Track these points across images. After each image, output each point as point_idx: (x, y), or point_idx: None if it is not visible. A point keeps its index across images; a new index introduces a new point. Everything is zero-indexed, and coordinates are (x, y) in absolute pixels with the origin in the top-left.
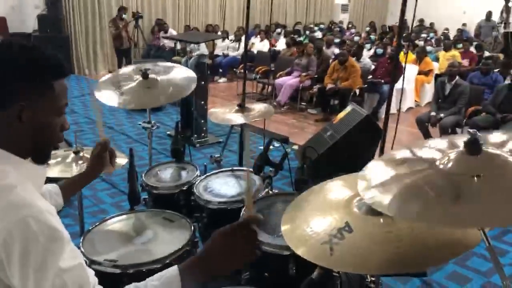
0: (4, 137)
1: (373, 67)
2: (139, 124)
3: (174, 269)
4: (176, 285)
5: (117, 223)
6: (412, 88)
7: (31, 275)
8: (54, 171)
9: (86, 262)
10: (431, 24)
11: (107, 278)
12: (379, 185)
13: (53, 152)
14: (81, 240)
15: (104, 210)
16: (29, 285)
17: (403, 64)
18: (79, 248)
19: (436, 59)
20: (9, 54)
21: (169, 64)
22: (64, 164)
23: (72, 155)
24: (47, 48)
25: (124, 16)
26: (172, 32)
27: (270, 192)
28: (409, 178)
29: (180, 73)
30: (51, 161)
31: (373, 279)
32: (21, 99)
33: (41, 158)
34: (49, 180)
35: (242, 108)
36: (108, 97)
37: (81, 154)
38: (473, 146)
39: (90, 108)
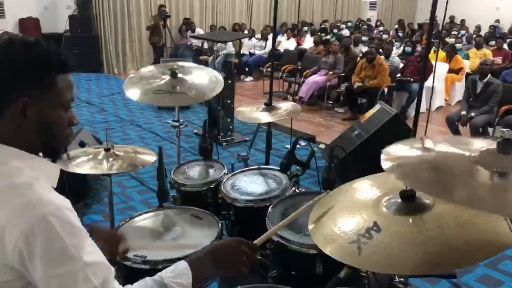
0: (13, 135)
1: (401, 65)
2: (167, 123)
3: (183, 263)
4: (187, 277)
5: (146, 219)
6: (442, 87)
7: (54, 271)
8: (85, 168)
9: (116, 257)
10: (462, 21)
11: (136, 274)
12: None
13: (84, 149)
14: None
15: (133, 207)
16: (51, 283)
17: (433, 62)
18: None
19: (467, 57)
20: (8, 51)
21: (198, 66)
22: (95, 161)
23: (103, 152)
24: (50, 43)
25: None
26: (199, 31)
27: (297, 190)
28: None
29: (207, 75)
30: (83, 158)
31: (401, 279)
32: (23, 95)
33: (52, 153)
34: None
35: (269, 107)
36: (137, 94)
37: (111, 151)
38: (505, 145)
39: None
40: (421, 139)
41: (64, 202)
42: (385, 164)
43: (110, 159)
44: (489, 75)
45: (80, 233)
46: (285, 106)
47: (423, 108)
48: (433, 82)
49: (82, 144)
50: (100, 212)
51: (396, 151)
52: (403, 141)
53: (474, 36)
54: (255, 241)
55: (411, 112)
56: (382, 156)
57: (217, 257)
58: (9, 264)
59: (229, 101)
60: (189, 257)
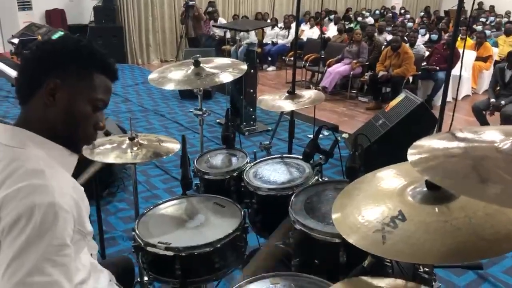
0: (38, 118)
1: (427, 53)
2: (191, 112)
3: None
4: None
5: (170, 207)
6: (469, 75)
7: (11, 255)
8: (110, 157)
9: (140, 244)
10: (491, 7)
11: (160, 260)
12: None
13: (109, 138)
14: (136, 223)
15: (157, 195)
16: (1, 269)
17: (460, 50)
18: (133, 230)
19: (496, 45)
20: (61, 38)
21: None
22: (119, 150)
23: (128, 141)
24: (104, 51)
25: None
26: (222, 21)
27: (320, 179)
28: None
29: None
30: (107, 146)
31: (426, 269)
32: (58, 77)
33: (71, 147)
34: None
35: (292, 95)
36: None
37: (135, 140)
38: None
39: None
40: (449, 132)
41: (65, 201)
42: (411, 157)
43: (135, 148)
44: None
45: (55, 238)
46: (308, 94)
47: (449, 97)
48: (461, 70)
49: (107, 133)
50: (124, 200)
51: (423, 145)
52: (431, 135)
53: (504, 22)
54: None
55: (437, 101)
56: (410, 150)
57: None
58: None
59: (251, 90)
60: None
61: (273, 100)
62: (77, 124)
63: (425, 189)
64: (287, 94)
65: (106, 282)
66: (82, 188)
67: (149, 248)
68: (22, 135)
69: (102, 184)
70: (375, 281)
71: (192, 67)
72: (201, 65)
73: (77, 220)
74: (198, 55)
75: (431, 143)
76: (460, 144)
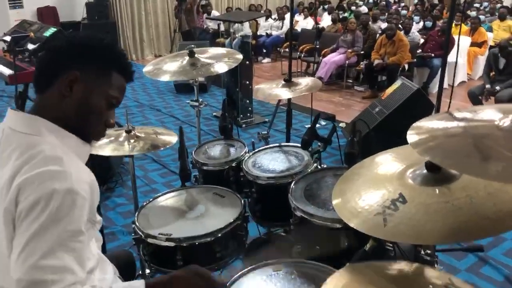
0: (54, 110)
1: (422, 40)
2: (187, 103)
3: (140, 283)
4: None
5: (170, 199)
6: (465, 61)
7: (26, 238)
8: (107, 150)
9: (141, 236)
10: None
11: (162, 252)
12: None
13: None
14: (135, 215)
15: (156, 190)
16: (16, 251)
17: (454, 36)
18: (133, 223)
19: (490, 30)
20: (85, 36)
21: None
22: (116, 143)
23: (124, 134)
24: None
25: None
26: (215, 13)
27: (319, 167)
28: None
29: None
30: (104, 140)
31: (428, 251)
32: (78, 69)
33: (84, 139)
34: (104, 160)
35: (288, 83)
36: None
37: (132, 132)
38: None
39: None
40: (448, 113)
41: (82, 188)
42: (410, 139)
43: (132, 140)
44: None
45: (72, 224)
46: (305, 81)
47: (445, 84)
48: (457, 56)
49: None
50: (123, 195)
51: (422, 126)
52: (430, 116)
53: (498, 7)
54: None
55: (433, 88)
56: (409, 132)
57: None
58: (14, 219)
59: (247, 82)
60: (148, 281)
61: (270, 88)
62: (89, 117)
63: (425, 171)
64: (283, 82)
65: (112, 273)
66: (95, 178)
67: (150, 240)
68: (38, 123)
69: (100, 180)
70: (379, 265)
71: (187, 57)
72: (196, 55)
73: (91, 208)
74: (192, 45)
75: (430, 124)
76: (459, 124)
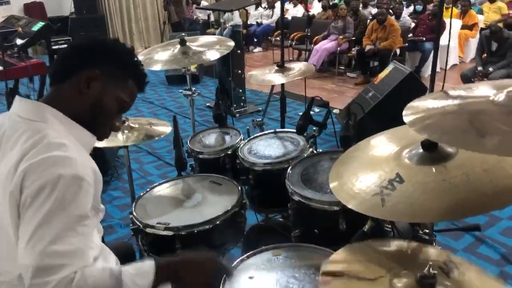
0: (69, 99)
1: (413, 25)
2: (180, 92)
3: (150, 264)
4: (146, 279)
5: (167, 188)
6: (456, 44)
7: (34, 225)
8: (101, 142)
9: (139, 226)
10: None
11: (160, 241)
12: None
13: None
14: (133, 205)
15: (152, 182)
16: (24, 238)
17: (445, 19)
18: (131, 214)
19: (481, 12)
20: (113, 40)
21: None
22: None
23: None
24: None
25: None
26: (205, 4)
27: (315, 151)
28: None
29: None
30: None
31: (426, 230)
32: (98, 69)
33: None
34: (99, 154)
35: (281, 68)
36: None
37: (126, 123)
38: None
39: None
40: (442, 91)
41: (87, 174)
42: (406, 118)
43: (126, 131)
44: (504, 30)
45: (78, 209)
46: (298, 66)
47: (437, 67)
48: (449, 40)
49: None
50: (119, 188)
51: (417, 105)
52: (424, 96)
53: None
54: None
55: (425, 72)
56: (404, 112)
57: (184, 273)
58: (18, 205)
59: (239, 71)
60: (158, 260)
61: (263, 74)
62: (100, 117)
63: (421, 150)
64: (276, 68)
65: (114, 263)
66: (97, 167)
67: (148, 230)
68: (45, 111)
69: None
70: (378, 244)
71: (179, 46)
72: (187, 43)
73: (95, 195)
74: (183, 34)
75: (425, 103)
76: (455, 101)
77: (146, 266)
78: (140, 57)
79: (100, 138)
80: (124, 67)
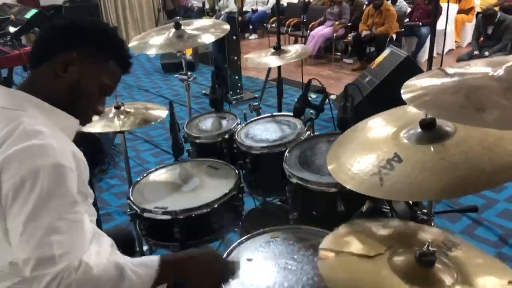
0: (45, 84)
1: (409, 9)
2: (176, 77)
3: (156, 257)
4: (149, 269)
5: (164, 174)
6: (452, 29)
7: (23, 220)
8: (97, 127)
9: (137, 211)
10: None
11: (158, 226)
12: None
13: None
14: (130, 191)
15: (149, 169)
16: (16, 234)
17: (441, 4)
18: (128, 198)
19: None
20: (91, 20)
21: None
22: (107, 119)
23: (114, 110)
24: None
25: None
26: None
27: (312, 134)
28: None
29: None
30: (94, 118)
31: (425, 211)
32: (76, 51)
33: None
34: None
35: (278, 51)
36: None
37: (122, 108)
38: None
39: None
40: (439, 69)
41: (67, 159)
42: (405, 96)
43: (122, 116)
44: (500, 13)
45: (65, 197)
46: (294, 48)
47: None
48: (446, 24)
49: None
50: (116, 176)
51: (415, 84)
52: (421, 74)
53: None
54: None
55: (421, 57)
56: (402, 90)
57: (190, 270)
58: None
59: (235, 57)
60: (164, 256)
61: (259, 57)
62: (79, 101)
63: (419, 129)
64: (273, 50)
65: (107, 246)
66: (81, 153)
67: (146, 214)
68: (22, 98)
69: (92, 162)
70: (377, 223)
71: (173, 30)
72: (182, 27)
73: (79, 180)
74: (178, 18)
75: (422, 81)
76: (453, 79)
77: (151, 259)
78: (134, 42)
79: (82, 123)
80: (105, 48)
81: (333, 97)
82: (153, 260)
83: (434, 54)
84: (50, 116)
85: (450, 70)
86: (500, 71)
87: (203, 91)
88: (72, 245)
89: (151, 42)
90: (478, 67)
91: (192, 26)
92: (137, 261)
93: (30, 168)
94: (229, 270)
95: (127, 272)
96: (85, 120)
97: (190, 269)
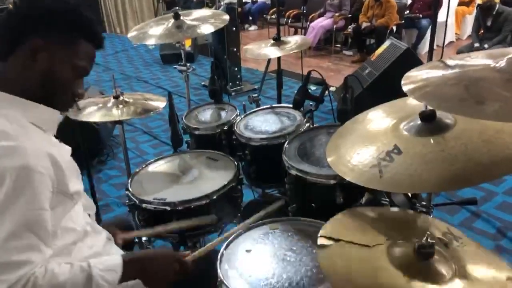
0: (16, 81)
1: (409, 1)
2: (175, 68)
3: (118, 259)
4: (116, 273)
5: (163, 165)
6: (453, 21)
7: None
8: (96, 116)
9: (135, 202)
10: None
11: (157, 217)
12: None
13: (92, 99)
14: (129, 182)
15: (148, 161)
16: None
17: None
18: (127, 190)
19: None
20: (58, 2)
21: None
22: (105, 109)
23: (112, 100)
24: (94, 17)
25: None
26: None
27: (311, 126)
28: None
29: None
30: (92, 107)
31: (424, 203)
32: (41, 37)
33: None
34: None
35: (277, 42)
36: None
37: (120, 98)
38: None
39: None
40: (439, 61)
41: (39, 161)
42: (405, 87)
43: (120, 106)
44: (498, 5)
45: (31, 201)
46: (294, 40)
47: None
48: (447, 16)
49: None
50: (115, 167)
51: (415, 75)
52: (421, 66)
53: None
54: (188, 257)
55: (422, 49)
56: (403, 81)
57: (148, 268)
58: None
59: (235, 49)
60: (124, 255)
61: (259, 48)
62: (55, 88)
63: (419, 122)
64: (272, 41)
65: (102, 242)
66: (68, 148)
67: (144, 205)
68: None
69: (91, 153)
70: (377, 212)
71: (172, 20)
72: (181, 17)
73: (57, 181)
74: (177, 8)
75: (423, 73)
76: (453, 70)
77: (114, 261)
78: (133, 33)
79: (63, 109)
80: (71, 28)
81: (332, 89)
82: (117, 264)
83: (434, 46)
84: (25, 112)
85: (450, 62)
86: (502, 63)
87: (202, 83)
88: (32, 252)
89: (150, 33)
90: (478, 59)
91: (191, 17)
92: (103, 265)
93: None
94: (184, 266)
95: (95, 278)
96: (65, 106)
97: (146, 269)
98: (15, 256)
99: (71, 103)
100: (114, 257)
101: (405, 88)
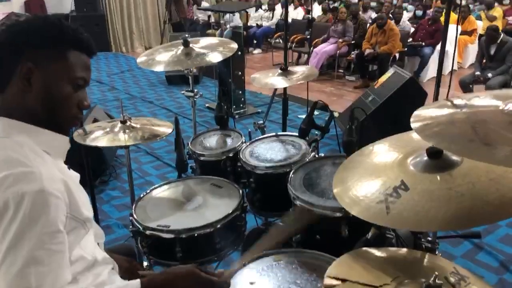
0: (19, 108)
1: (412, 29)
2: (182, 93)
3: (136, 283)
4: None
5: (167, 190)
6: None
7: (4, 248)
8: (103, 141)
9: (139, 229)
10: None
11: (161, 244)
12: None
13: (99, 123)
14: (133, 208)
15: (150, 182)
16: None
17: (451, 25)
18: (131, 215)
19: (480, 18)
20: (26, 20)
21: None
22: (112, 134)
23: (120, 124)
24: (77, 25)
25: None
26: (205, 4)
27: (317, 156)
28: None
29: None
30: (100, 132)
31: (429, 238)
32: (29, 60)
33: (58, 130)
34: (98, 154)
35: (285, 72)
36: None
37: (128, 123)
38: None
39: None
40: (447, 100)
41: (54, 186)
42: (414, 125)
43: (127, 131)
44: (502, 34)
45: (47, 225)
46: (301, 70)
47: (435, 73)
48: (455, 46)
49: (96, 122)
50: (117, 188)
51: (423, 114)
52: (428, 104)
53: None
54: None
55: (424, 77)
56: (412, 118)
57: (171, 285)
58: None
59: (239, 73)
60: (143, 279)
61: (266, 77)
62: (58, 106)
63: (426, 158)
64: (280, 71)
65: (107, 271)
66: (77, 174)
67: (148, 232)
68: (4, 124)
69: (94, 173)
70: (383, 252)
71: (182, 47)
72: (190, 45)
73: (70, 206)
74: (187, 34)
75: (430, 111)
76: (461, 110)
77: (132, 285)
78: (143, 58)
79: (72, 124)
80: (56, 42)
81: (336, 114)
82: (134, 286)
83: (435, 75)
84: (37, 138)
85: (458, 102)
86: (511, 106)
87: (207, 104)
88: (51, 277)
89: (159, 59)
90: (486, 100)
91: (199, 44)
92: None
93: (14, 194)
94: (209, 283)
95: None
96: (73, 120)
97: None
98: (35, 282)
99: (79, 116)
100: (133, 282)
101: (413, 126)
